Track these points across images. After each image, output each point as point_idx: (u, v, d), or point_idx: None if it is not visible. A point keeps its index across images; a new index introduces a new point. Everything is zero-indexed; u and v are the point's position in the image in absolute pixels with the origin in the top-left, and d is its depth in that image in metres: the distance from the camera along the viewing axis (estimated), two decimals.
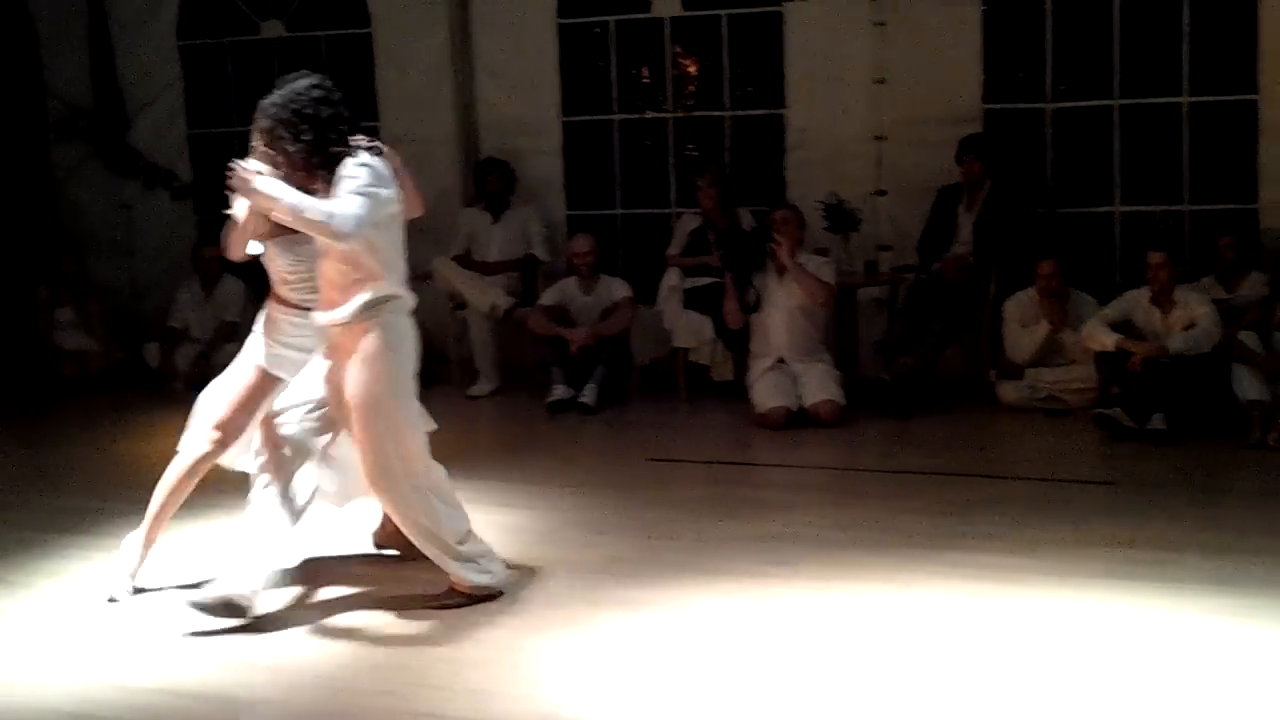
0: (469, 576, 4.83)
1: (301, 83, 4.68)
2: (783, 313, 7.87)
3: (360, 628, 4.70)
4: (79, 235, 10.55)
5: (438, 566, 4.82)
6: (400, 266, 4.76)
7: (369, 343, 4.62)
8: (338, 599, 4.99)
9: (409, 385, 4.76)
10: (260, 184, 4.52)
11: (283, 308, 5.04)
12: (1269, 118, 8.32)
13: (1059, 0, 8.72)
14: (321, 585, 5.14)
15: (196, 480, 5.08)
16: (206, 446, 5.02)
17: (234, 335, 9.56)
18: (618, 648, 4.41)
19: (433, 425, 5.06)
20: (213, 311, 9.64)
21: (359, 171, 4.54)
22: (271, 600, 4.87)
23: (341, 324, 4.63)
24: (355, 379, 4.63)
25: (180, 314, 9.71)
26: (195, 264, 9.74)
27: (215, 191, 10.61)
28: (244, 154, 4.69)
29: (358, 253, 4.57)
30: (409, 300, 4.75)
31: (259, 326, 5.09)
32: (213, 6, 10.32)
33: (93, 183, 10.59)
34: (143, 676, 4.34)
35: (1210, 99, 8.53)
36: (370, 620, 4.77)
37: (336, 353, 4.70)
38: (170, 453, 5.16)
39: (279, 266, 5.02)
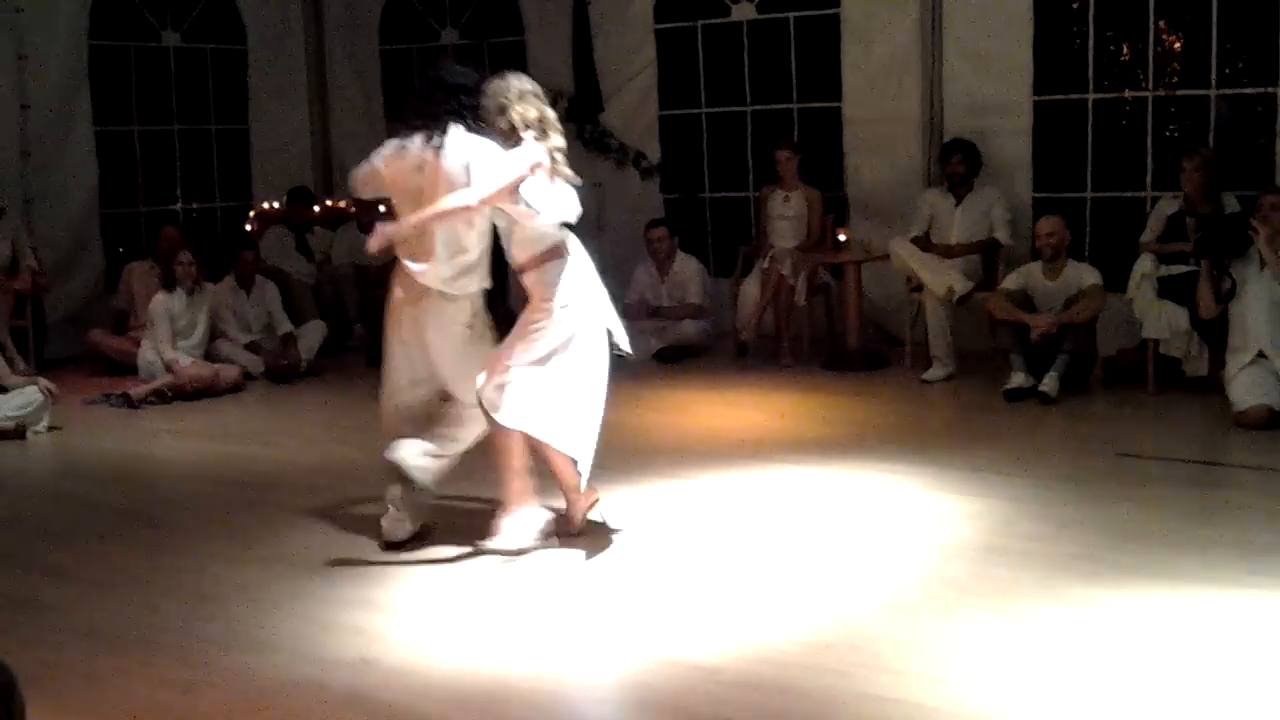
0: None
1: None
2: (1263, 304, 7.32)
3: (815, 605, 4.72)
4: None
5: None
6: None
7: None
8: (798, 576, 5.04)
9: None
10: None
11: None
12: None
13: None
14: (781, 561, 5.20)
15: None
16: None
17: (697, 314, 9.87)
18: (1070, 646, 4.23)
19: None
20: (669, 290, 9.94)
21: None
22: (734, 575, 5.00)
23: None
24: None
25: (636, 290, 10.04)
26: (648, 243, 10.06)
27: (683, 172, 11.02)
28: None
29: None
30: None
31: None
32: None
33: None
34: (603, 638, 4.53)
35: None
36: (825, 598, 4.78)
37: None
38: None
39: None
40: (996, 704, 3.85)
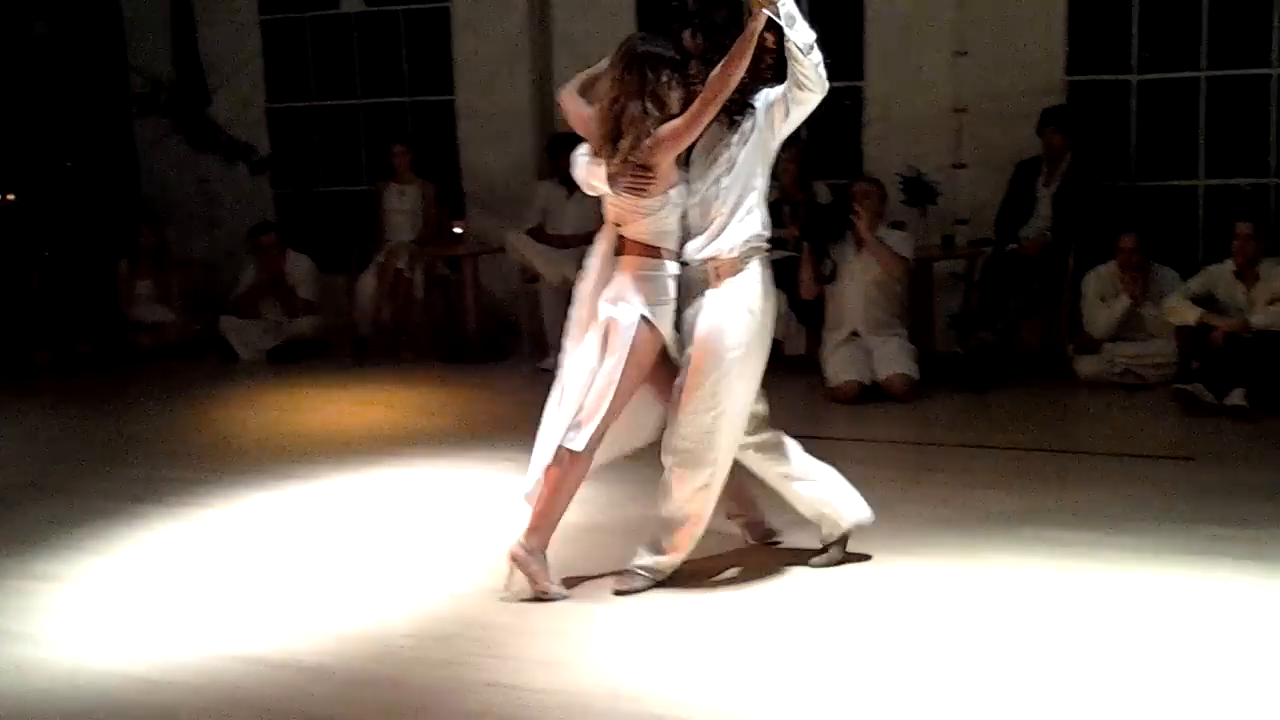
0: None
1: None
2: (858, 286, 7.79)
3: (432, 599, 4.73)
4: (159, 208, 10.70)
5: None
6: None
7: None
8: (416, 572, 5.02)
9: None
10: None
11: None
12: None
13: None
14: (399, 558, 5.19)
15: None
16: None
17: (308, 311, 9.68)
18: (684, 622, 4.39)
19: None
20: (279, 290, 9.71)
21: None
22: (351, 573, 4.94)
23: None
24: None
25: (242, 288, 9.79)
26: (256, 247, 9.78)
27: (294, 167, 10.78)
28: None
29: None
30: None
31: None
32: None
33: (173, 156, 10.72)
34: (214, 643, 4.40)
35: None
36: (441, 592, 4.79)
37: None
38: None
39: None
40: (608, 682, 3.95)
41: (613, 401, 4.58)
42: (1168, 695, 3.68)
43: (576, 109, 4.82)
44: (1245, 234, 7.32)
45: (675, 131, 4.49)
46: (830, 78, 4.58)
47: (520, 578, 4.61)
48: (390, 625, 4.49)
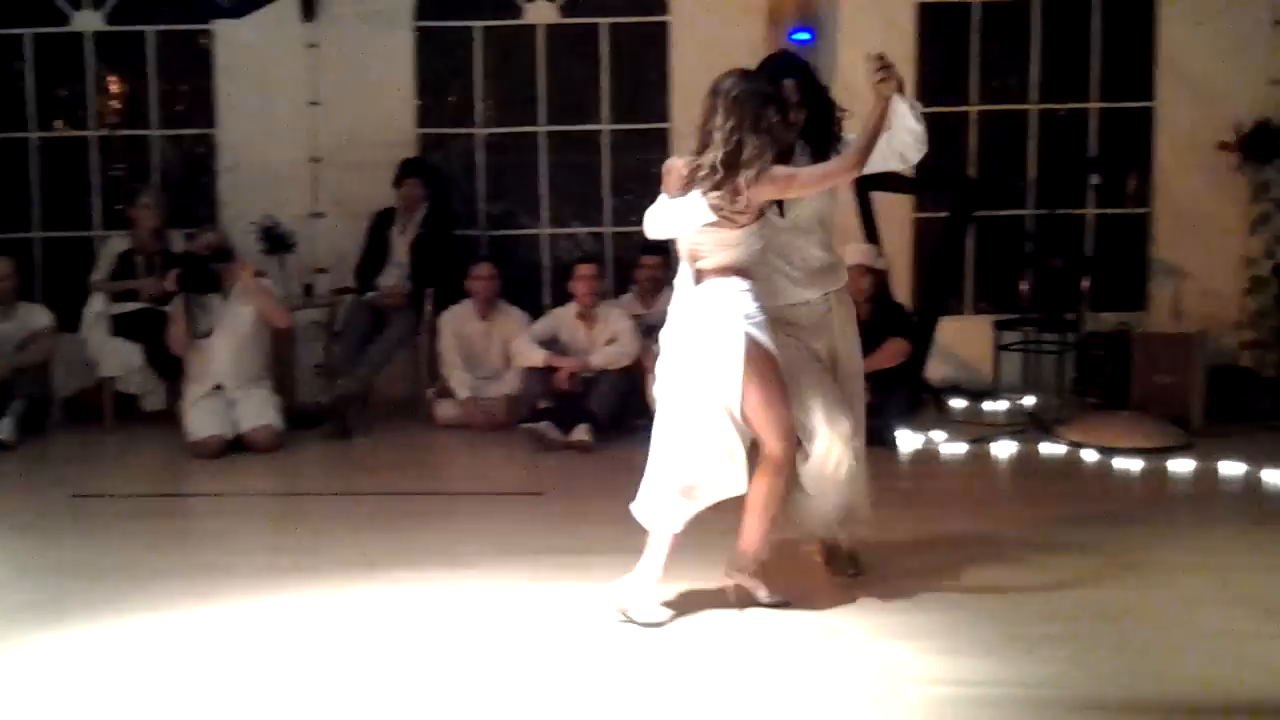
0: None
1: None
2: (230, 338, 7.68)
3: None
4: None
5: None
6: None
7: None
8: None
9: None
10: None
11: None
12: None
13: (488, 30, 9.10)
14: None
15: None
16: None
17: None
18: (21, 696, 4.14)
19: None
20: None
21: None
22: None
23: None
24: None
25: None
26: None
27: None
28: None
29: None
30: None
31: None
32: None
33: None
34: None
35: (629, 127, 9.13)
36: None
37: None
38: None
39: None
40: None
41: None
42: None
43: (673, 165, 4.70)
44: (589, 274, 7.92)
45: (792, 181, 4.61)
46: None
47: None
48: None
